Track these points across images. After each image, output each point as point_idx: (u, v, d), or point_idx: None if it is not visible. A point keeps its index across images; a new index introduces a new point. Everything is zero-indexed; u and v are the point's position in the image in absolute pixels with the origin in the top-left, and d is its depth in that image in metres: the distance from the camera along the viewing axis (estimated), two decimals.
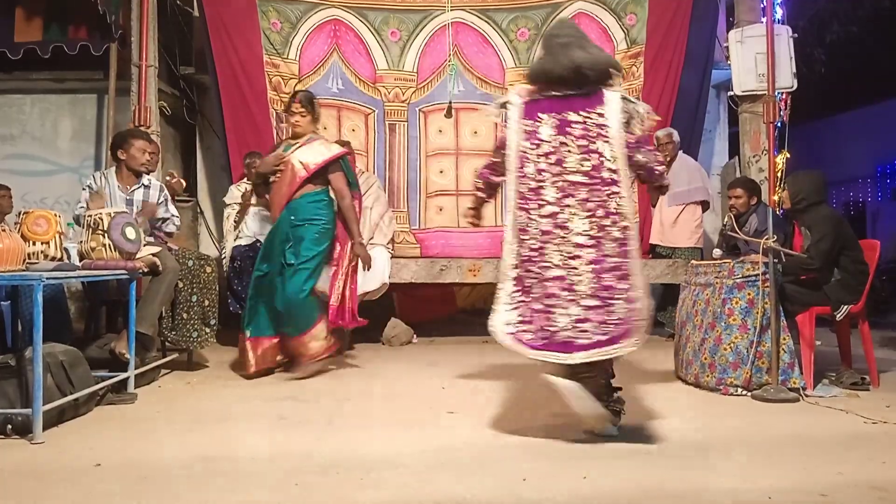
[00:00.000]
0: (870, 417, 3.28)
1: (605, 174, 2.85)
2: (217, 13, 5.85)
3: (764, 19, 5.84)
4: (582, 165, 2.87)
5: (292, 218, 4.28)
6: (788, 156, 6.05)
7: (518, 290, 2.95)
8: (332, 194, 4.42)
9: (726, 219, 4.48)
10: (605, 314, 2.79)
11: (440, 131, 6.18)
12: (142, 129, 5.11)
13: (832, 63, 10.81)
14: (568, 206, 2.86)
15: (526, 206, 2.93)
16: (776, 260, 3.78)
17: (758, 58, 5.68)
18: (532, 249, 2.90)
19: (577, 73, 2.90)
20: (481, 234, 6.10)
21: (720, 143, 7.11)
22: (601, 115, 2.90)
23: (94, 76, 6.37)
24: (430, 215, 6.17)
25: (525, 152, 2.95)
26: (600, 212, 2.83)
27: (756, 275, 3.81)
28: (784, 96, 5.91)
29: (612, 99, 2.93)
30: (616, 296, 2.79)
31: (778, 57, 5.63)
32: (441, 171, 6.19)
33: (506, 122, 3.06)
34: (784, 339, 3.78)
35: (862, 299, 4.01)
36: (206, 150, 6.76)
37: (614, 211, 2.84)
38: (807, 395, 3.72)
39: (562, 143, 2.90)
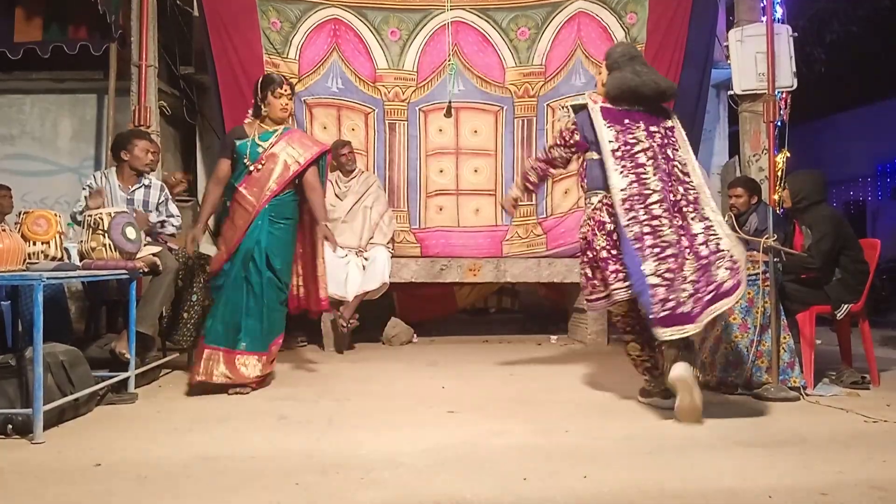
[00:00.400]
0: (870, 416, 3.28)
1: (683, 171, 3.39)
2: (217, 13, 5.84)
3: (764, 18, 5.85)
4: (670, 163, 3.39)
5: (272, 215, 3.97)
6: (788, 155, 6.05)
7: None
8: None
9: (726, 218, 4.47)
10: (708, 277, 3.12)
11: (440, 130, 6.18)
12: (142, 129, 5.11)
13: (832, 62, 10.82)
14: (671, 191, 3.31)
15: (634, 193, 3.30)
16: (776, 259, 3.78)
17: (758, 57, 5.68)
18: (644, 233, 3.23)
19: (662, 96, 3.49)
20: (481, 234, 6.11)
21: (720, 142, 7.11)
22: (671, 128, 3.50)
23: (93, 76, 6.37)
24: (431, 215, 6.16)
25: (618, 149, 3.37)
26: (686, 200, 3.32)
27: (756, 274, 3.81)
28: (784, 95, 5.91)
29: (675, 117, 3.56)
30: (714, 261, 3.15)
31: (778, 56, 5.63)
32: (441, 171, 6.19)
33: (587, 121, 3.48)
34: (784, 338, 3.78)
35: (862, 298, 4.01)
36: (206, 150, 6.76)
37: (694, 200, 3.33)
38: (807, 394, 3.72)
39: (651, 144, 3.40)
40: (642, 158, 3.34)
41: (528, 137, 6.17)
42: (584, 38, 6.13)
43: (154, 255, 4.01)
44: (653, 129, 3.42)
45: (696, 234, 3.23)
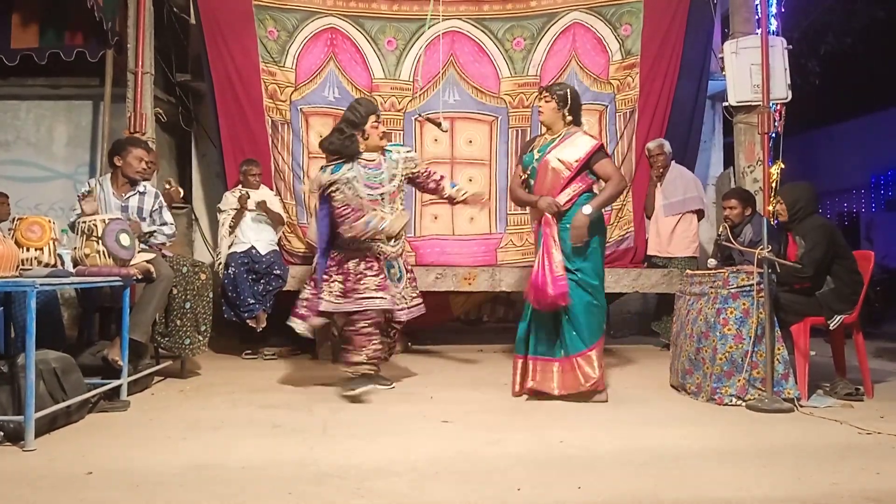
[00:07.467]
0: (864, 428, 3.29)
1: None
2: (214, 20, 5.85)
3: (759, 31, 5.87)
4: None
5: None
6: (783, 166, 6.08)
7: None
8: None
9: (721, 229, 4.49)
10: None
11: (435, 140, 6.17)
12: (137, 135, 5.11)
13: (827, 74, 10.89)
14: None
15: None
16: (771, 270, 3.79)
17: (752, 69, 5.70)
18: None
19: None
20: (476, 242, 6.10)
21: (715, 153, 7.13)
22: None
23: (89, 83, 6.37)
24: (426, 223, 6.16)
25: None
26: None
27: (751, 285, 3.82)
28: (778, 107, 5.94)
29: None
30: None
31: (773, 68, 5.64)
32: None
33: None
34: (778, 349, 3.79)
35: (856, 310, 4.02)
36: (201, 158, 6.76)
37: None
38: (801, 406, 3.73)
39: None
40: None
41: None
42: (578, 50, 6.15)
43: (148, 261, 4.00)
44: None
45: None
